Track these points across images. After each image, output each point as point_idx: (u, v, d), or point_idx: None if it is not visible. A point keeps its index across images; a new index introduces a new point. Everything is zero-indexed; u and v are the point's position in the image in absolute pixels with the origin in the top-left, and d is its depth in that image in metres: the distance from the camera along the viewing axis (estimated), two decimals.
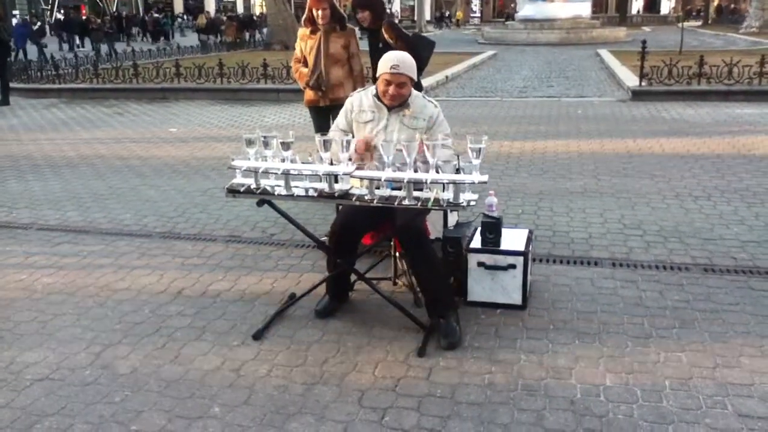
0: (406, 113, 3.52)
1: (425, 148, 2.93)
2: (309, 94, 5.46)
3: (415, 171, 2.96)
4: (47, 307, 3.77)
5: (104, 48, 24.50)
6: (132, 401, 2.84)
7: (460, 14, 57.95)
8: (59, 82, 14.78)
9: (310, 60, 5.32)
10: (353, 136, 3.55)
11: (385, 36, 5.21)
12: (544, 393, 2.84)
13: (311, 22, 5.26)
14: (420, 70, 5.61)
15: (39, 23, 26.63)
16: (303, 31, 5.39)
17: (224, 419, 2.71)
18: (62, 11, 33.76)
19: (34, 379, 3.02)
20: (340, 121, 3.70)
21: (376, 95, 3.55)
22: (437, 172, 2.97)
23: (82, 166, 7.37)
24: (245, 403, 2.82)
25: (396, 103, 3.50)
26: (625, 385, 2.87)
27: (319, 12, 5.16)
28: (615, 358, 3.09)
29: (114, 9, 49.75)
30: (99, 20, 26.81)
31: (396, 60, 3.43)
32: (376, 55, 5.11)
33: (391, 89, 3.44)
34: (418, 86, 5.49)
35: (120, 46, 25.38)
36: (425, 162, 2.97)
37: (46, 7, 48.10)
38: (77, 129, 10.05)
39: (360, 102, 3.63)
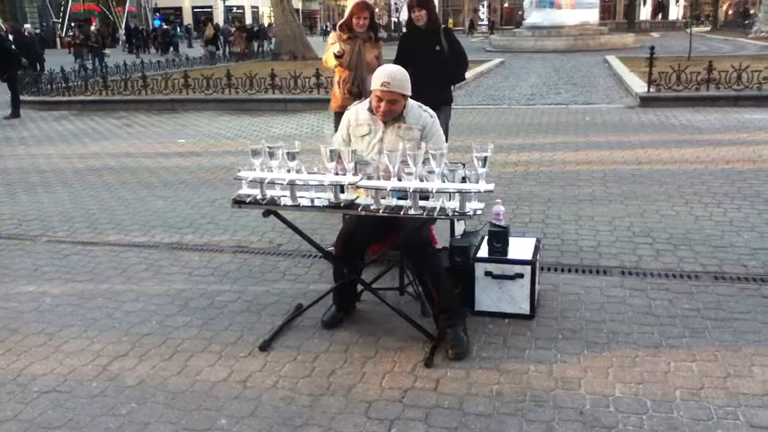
0: (401, 126, 3.51)
1: (408, 158, 2.92)
2: (339, 99, 5.38)
3: (421, 180, 2.95)
4: (55, 318, 3.78)
5: (94, 62, 24.48)
6: (139, 413, 2.84)
7: (451, 22, 57.70)
8: (69, 94, 14.88)
9: (347, 67, 5.29)
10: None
11: (442, 38, 5.27)
12: (552, 404, 2.81)
13: (348, 28, 5.26)
14: (456, 81, 5.65)
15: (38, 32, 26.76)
16: (338, 35, 5.34)
17: (231, 431, 2.70)
18: (73, 24, 34.10)
19: (41, 392, 3.02)
20: (341, 134, 3.68)
21: (370, 109, 3.54)
22: (443, 181, 2.95)
23: (91, 178, 7.41)
24: (252, 414, 2.81)
25: (388, 119, 3.48)
26: (635, 396, 2.84)
27: (360, 20, 5.18)
28: (624, 368, 3.06)
29: (124, 21, 50.19)
30: (82, 35, 26.65)
31: (387, 77, 3.39)
32: (420, 56, 5.15)
33: (383, 106, 3.42)
34: (449, 98, 5.54)
35: (112, 60, 25.41)
36: (408, 173, 2.95)
37: (57, 20, 48.56)
38: (86, 141, 10.11)
39: (356, 116, 3.62)
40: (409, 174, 2.97)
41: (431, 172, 2.93)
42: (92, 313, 3.84)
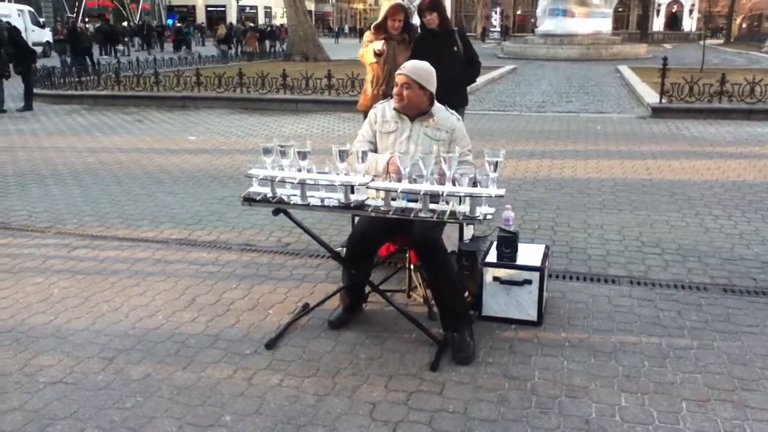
0: (430, 123, 3.52)
1: (442, 161, 2.92)
2: (370, 98, 5.35)
3: (432, 183, 2.95)
4: (62, 310, 3.79)
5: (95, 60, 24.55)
6: (143, 407, 2.84)
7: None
8: (81, 88, 14.97)
9: (382, 67, 5.29)
10: (375, 148, 3.57)
11: (458, 40, 5.31)
12: (558, 411, 2.80)
13: (383, 30, 5.26)
14: (468, 84, 5.65)
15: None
16: (373, 35, 5.33)
17: (235, 428, 2.70)
18: (87, 19, 34.38)
19: (47, 383, 3.03)
20: (365, 132, 3.69)
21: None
22: (454, 184, 2.95)
23: (101, 172, 7.44)
24: (256, 412, 2.80)
25: (405, 108, 3.50)
26: (641, 406, 2.83)
27: (396, 22, 5.19)
28: (631, 378, 3.04)
29: (138, 18, 50.41)
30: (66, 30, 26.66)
31: (407, 64, 3.52)
32: (439, 58, 5.16)
33: (397, 90, 3.50)
34: (465, 99, 5.54)
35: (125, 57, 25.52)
36: (442, 175, 2.96)
37: (71, 16, 48.83)
38: (98, 135, 10.16)
39: (383, 113, 3.64)
40: (420, 176, 2.97)
41: (464, 174, 2.92)
42: (99, 306, 3.85)
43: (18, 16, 30.06)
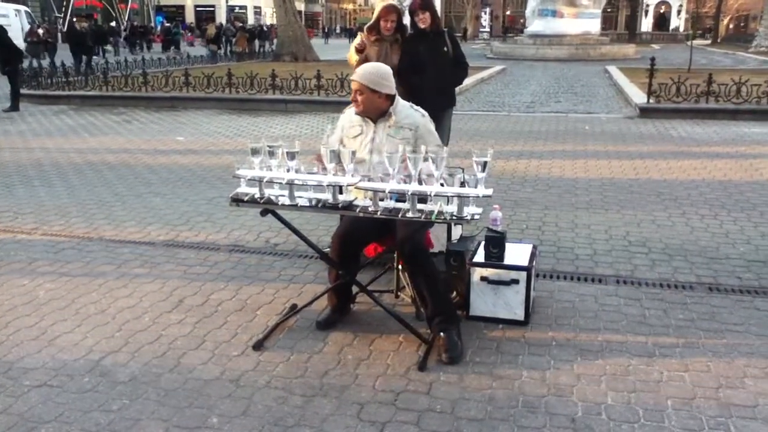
0: (389, 124, 3.52)
1: (407, 161, 2.92)
2: None
3: (420, 183, 2.95)
4: (48, 313, 3.77)
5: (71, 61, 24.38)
6: (130, 410, 2.83)
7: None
8: (69, 89, 14.87)
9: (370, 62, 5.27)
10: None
11: (448, 41, 5.33)
12: (545, 410, 2.81)
13: (376, 31, 5.26)
14: (456, 85, 5.67)
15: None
16: (365, 36, 5.31)
17: (222, 430, 2.69)
18: (75, 19, 34.24)
19: (32, 386, 3.01)
20: (336, 137, 3.69)
21: None
22: (421, 183, 2.94)
23: (89, 173, 7.40)
24: (243, 414, 2.80)
25: (360, 110, 3.51)
26: (627, 404, 2.84)
27: (388, 23, 5.19)
28: (617, 377, 3.06)
29: (126, 18, 50.15)
30: (41, 30, 26.38)
31: (358, 69, 3.49)
32: (430, 59, 5.19)
33: (351, 96, 3.52)
34: (453, 100, 5.55)
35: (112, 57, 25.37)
36: (408, 175, 2.95)
37: (59, 15, 48.50)
38: (85, 136, 10.10)
39: (350, 118, 3.65)
40: (408, 176, 2.97)
41: (430, 175, 2.93)
42: (86, 308, 3.83)
43: (15, 16, 30.07)
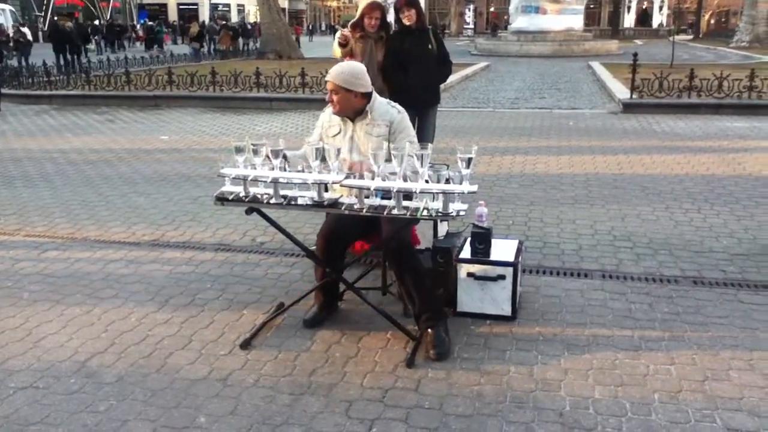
0: (366, 122, 3.52)
1: (393, 157, 2.93)
2: None
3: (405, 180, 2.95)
4: (33, 314, 3.73)
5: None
6: (117, 410, 2.81)
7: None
8: (50, 88, 14.72)
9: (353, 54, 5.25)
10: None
11: (432, 38, 5.33)
12: (533, 405, 2.82)
13: (360, 27, 5.24)
14: (440, 82, 5.67)
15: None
16: (349, 32, 5.29)
17: (210, 429, 2.68)
18: (57, 18, 33.99)
19: (17, 388, 2.98)
20: (316, 136, 3.67)
21: None
22: (405, 180, 2.94)
23: (72, 173, 7.33)
24: (231, 413, 2.79)
25: (336, 110, 3.50)
26: (614, 398, 2.86)
27: (372, 20, 5.17)
28: (604, 371, 3.08)
29: (108, 16, 49.72)
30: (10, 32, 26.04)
31: (332, 69, 3.47)
32: (415, 56, 5.21)
33: (327, 96, 3.52)
34: (437, 97, 5.56)
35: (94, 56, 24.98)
36: (371, 173, 2.95)
37: (39, 14, 47.99)
38: (68, 136, 10.01)
39: (329, 117, 3.64)
40: (394, 174, 2.97)
41: (415, 172, 2.93)
42: (71, 309, 3.80)
43: (0, 15, 29.91)
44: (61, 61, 20.99)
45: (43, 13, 48.33)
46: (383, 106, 3.57)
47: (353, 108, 3.49)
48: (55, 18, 28.68)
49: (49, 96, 14.23)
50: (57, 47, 22.04)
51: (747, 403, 2.82)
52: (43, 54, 21.78)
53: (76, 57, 21.96)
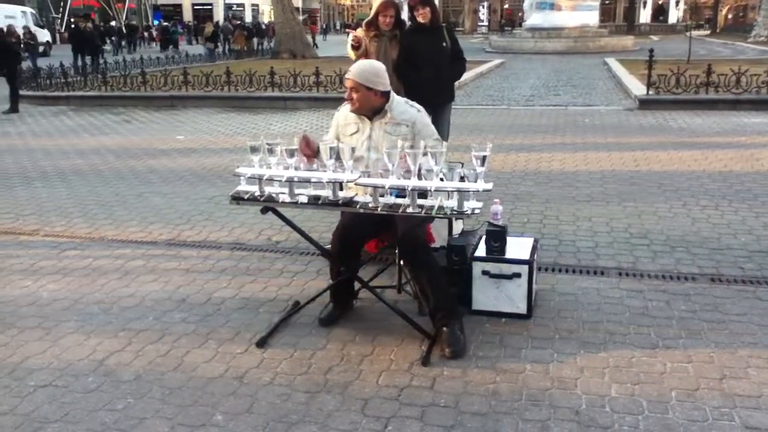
0: (385, 121, 3.51)
1: (407, 157, 2.92)
2: None
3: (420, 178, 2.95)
4: (52, 313, 3.78)
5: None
6: (135, 408, 2.84)
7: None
8: (68, 89, 14.87)
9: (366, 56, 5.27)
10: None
11: (446, 35, 5.33)
12: (548, 403, 2.81)
13: (374, 26, 5.25)
14: (455, 80, 5.67)
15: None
16: (364, 32, 5.31)
17: (227, 427, 2.70)
18: (73, 20, 34.46)
19: (37, 386, 3.02)
20: (331, 135, 3.68)
21: None
22: (420, 178, 2.94)
23: (89, 173, 7.40)
24: (248, 411, 2.80)
25: (356, 108, 3.49)
26: (630, 396, 2.85)
27: (387, 18, 5.18)
28: (621, 369, 3.06)
29: (125, 18, 50.11)
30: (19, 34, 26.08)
31: (351, 67, 3.47)
32: (429, 54, 5.20)
33: (346, 94, 3.51)
34: (452, 95, 5.55)
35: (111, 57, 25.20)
36: (408, 171, 2.94)
37: (56, 16, 48.45)
38: (85, 136, 10.10)
39: (345, 116, 3.63)
40: (408, 172, 2.97)
41: (429, 170, 2.92)
42: (89, 308, 3.84)
43: (21, 17, 30.52)
44: (79, 62, 21.22)
45: (60, 15, 48.82)
46: (402, 105, 3.56)
47: (372, 106, 3.49)
48: (71, 20, 29.21)
49: (67, 97, 14.37)
50: (76, 48, 22.28)
51: (766, 401, 2.79)
52: (60, 56, 22.02)
53: (94, 58, 22.17)
